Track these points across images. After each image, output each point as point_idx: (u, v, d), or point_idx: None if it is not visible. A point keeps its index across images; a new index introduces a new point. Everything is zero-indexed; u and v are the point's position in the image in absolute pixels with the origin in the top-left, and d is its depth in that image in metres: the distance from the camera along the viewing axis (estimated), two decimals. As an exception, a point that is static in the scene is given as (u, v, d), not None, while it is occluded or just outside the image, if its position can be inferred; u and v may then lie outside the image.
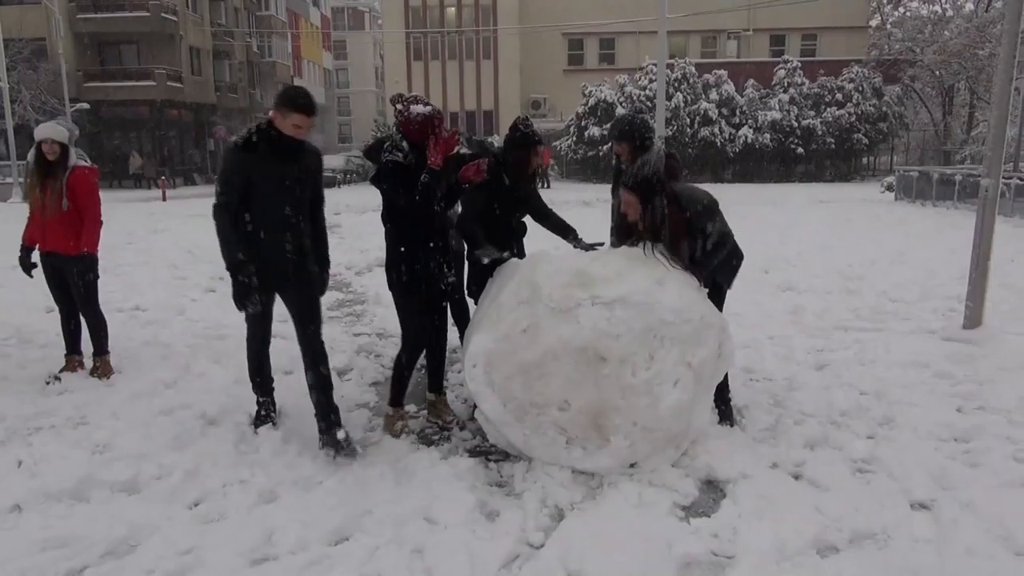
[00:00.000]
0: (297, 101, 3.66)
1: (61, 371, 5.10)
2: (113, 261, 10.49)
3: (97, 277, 5.15)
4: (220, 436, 4.06)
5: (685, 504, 3.34)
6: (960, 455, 3.79)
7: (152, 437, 4.03)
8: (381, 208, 4.05)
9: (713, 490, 3.49)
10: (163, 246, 12.37)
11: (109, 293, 7.95)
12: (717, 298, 4.08)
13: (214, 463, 3.69)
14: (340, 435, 3.74)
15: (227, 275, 3.80)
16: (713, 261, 3.91)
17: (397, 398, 4.25)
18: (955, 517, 3.11)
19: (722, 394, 4.15)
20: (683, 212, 3.79)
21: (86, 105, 31.01)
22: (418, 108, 3.89)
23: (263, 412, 4.20)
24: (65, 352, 5.20)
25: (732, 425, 4.14)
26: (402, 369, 4.21)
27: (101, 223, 5.13)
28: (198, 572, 2.81)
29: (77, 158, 5.07)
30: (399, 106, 3.96)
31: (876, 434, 4.05)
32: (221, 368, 5.31)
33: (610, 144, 4.56)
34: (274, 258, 3.82)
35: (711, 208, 3.86)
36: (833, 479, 3.49)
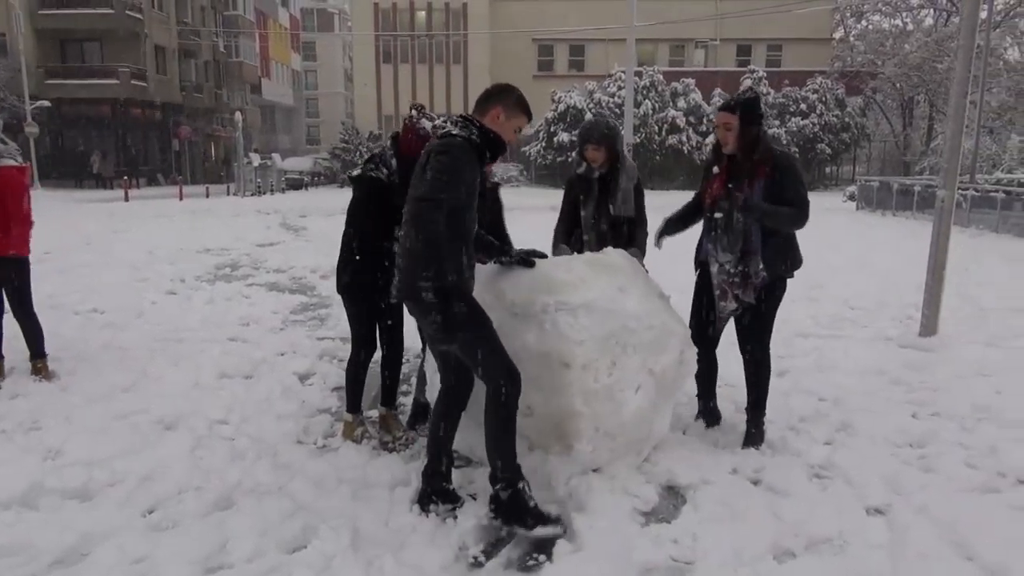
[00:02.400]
0: (528, 106, 3.38)
1: None
2: (71, 262, 10.30)
3: (29, 279, 5.02)
4: (176, 441, 3.98)
5: (646, 510, 3.35)
6: (915, 460, 3.85)
7: (106, 443, 3.93)
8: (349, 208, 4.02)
9: (674, 496, 3.50)
10: (123, 247, 12.13)
11: (66, 295, 7.82)
12: (759, 304, 3.89)
13: (169, 469, 3.62)
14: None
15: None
16: (778, 214, 3.75)
17: (354, 404, 4.16)
18: (908, 522, 3.16)
19: (756, 415, 4.05)
20: (770, 155, 3.77)
21: (47, 103, 30.35)
22: (426, 124, 3.83)
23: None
24: None
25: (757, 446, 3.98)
26: (355, 373, 4.14)
27: (31, 223, 4.99)
28: (150, 581, 2.75)
29: (6, 156, 4.91)
30: (414, 112, 3.89)
31: (834, 440, 4.11)
32: (179, 371, 5.23)
33: (578, 149, 4.47)
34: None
35: (795, 159, 3.88)
36: (791, 485, 3.53)
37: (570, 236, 4.34)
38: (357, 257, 3.93)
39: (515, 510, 3.08)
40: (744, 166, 3.78)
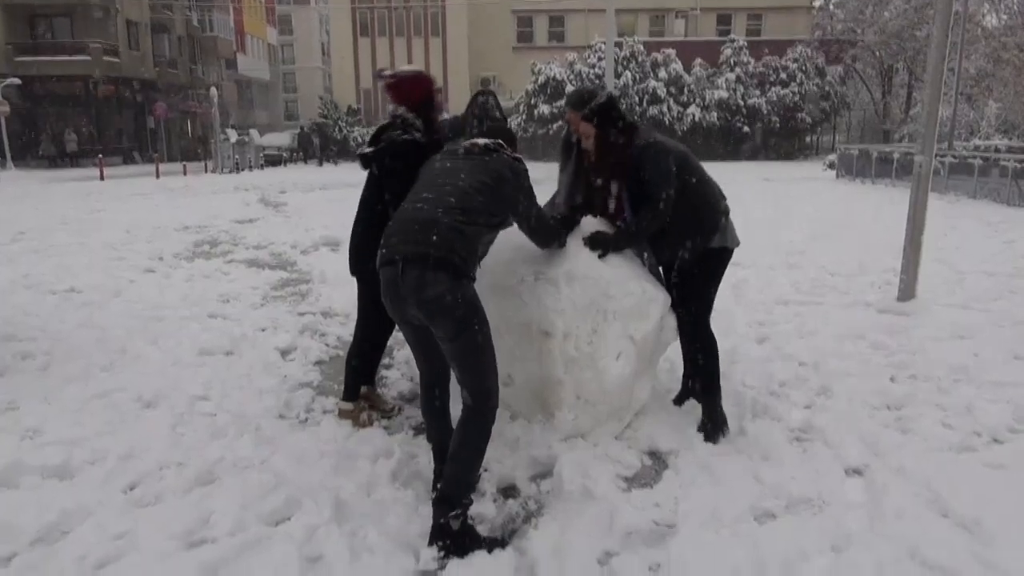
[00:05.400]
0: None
1: None
2: (46, 242, 10.16)
3: None
4: (156, 419, 3.95)
5: (628, 475, 3.38)
6: (893, 422, 3.91)
7: (85, 422, 3.90)
8: (369, 190, 3.81)
9: (656, 461, 3.53)
10: (100, 226, 11.96)
11: (41, 275, 7.72)
12: (685, 282, 3.73)
13: (149, 446, 3.60)
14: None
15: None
16: (639, 225, 3.57)
17: (354, 391, 4.03)
18: (886, 482, 3.21)
19: (707, 401, 3.80)
20: (632, 145, 3.54)
21: (17, 80, 29.69)
22: (405, 68, 3.73)
23: None
24: None
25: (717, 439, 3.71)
26: (370, 357, 4.06)
27: None
28: (132, 557, 2.74)
29: None
30: (387, 76, 3.69)
31: (813, 404, 4.15)
32: (158, 349, 5.18)
33: (560, 123, 4.34)
34: None
35: (651, 147, 3.50)
36: (771, 448, 3.56)
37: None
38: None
39: (468, 543, 2.76)
40: (608, 178, 3.64)
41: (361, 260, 3.76)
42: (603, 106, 3.57)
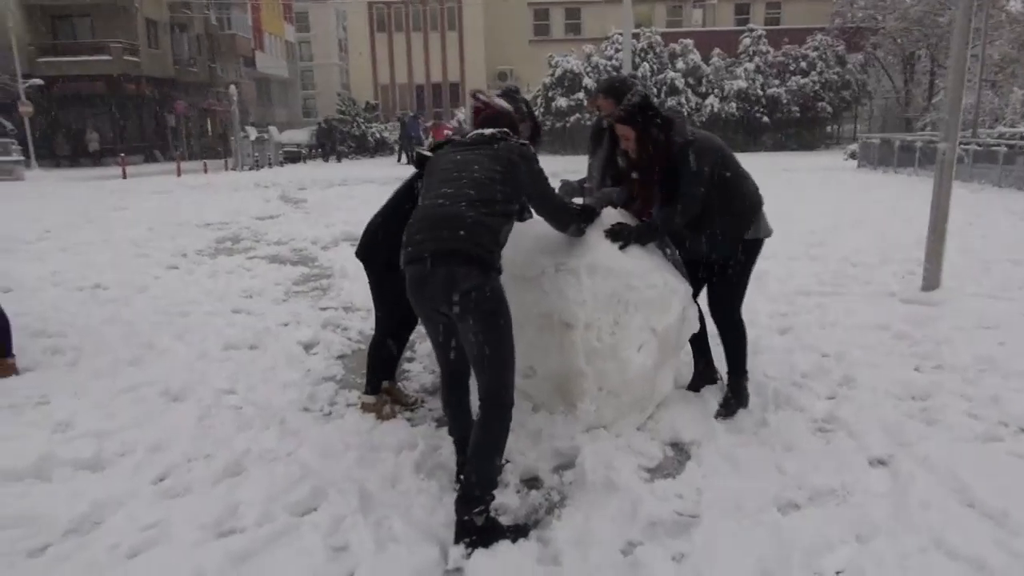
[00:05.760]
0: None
1: None
2: (72, 240, 10.30)
3: None
4: (184, 412, 4.02)
5: (650, 467, 3.38)
6: (917, 413, 3.88)
7: (114, 415, 3.98)
8: (410, 188, 3.77)
9: (678, 452, 3.54)
10: (124, 224, 12.12)
11: (68, 272, 7.84)
12: (722, 272, 3.82)
13: (177, 439, 3.66)
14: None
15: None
16: (664, 220, 3.65)
17: (376, 384, 4.05)
18: (911, 472, 3.19)
19: (733, 381, 3.97)
20: (672, 146, 3.61)
21: (40, 81, 30.11)
22: (499, 102, 3.72)
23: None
24: None
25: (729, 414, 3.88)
26: (389, 352, 4.07)
27: None
28: (163, 546, 2.79)
29: None
30: (481, 100, 3.55)
31: (836, 394, 4.13)
32: (184, 344, 5.26)
33: (577, 116, 4.35)
34: None
35: (690, 145, 3.58)
36: (794, 439, 3.56)
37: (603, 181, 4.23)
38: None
39: (493, 534, 2.80)
40: (651, 178, 3.69)
41: (370, 246, 3.86)
42: (639, 106, 3.61)
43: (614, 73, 30.20)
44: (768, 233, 3.86)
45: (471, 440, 2.87)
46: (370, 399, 4.03)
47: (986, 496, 2.96)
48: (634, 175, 3.80)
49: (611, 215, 3.74)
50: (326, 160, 32.87)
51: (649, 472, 3.34)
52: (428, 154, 3.56)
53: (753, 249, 3.86)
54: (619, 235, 3.63)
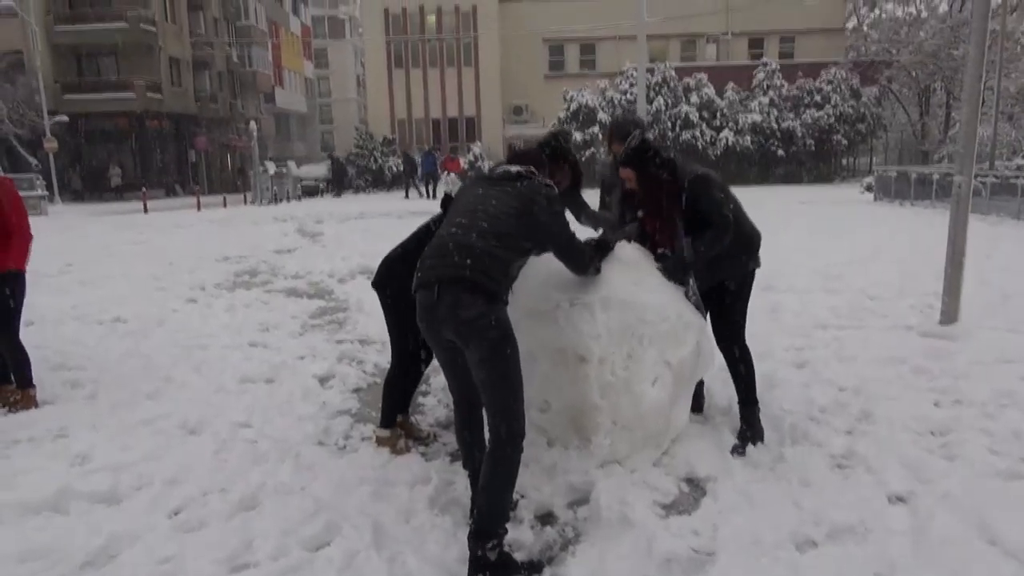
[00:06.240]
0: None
1: None
2: (93, 274, 10.45)
3: (22, 300, 4.65)
4: (200, 445, 4.04)
5: (665, 502, 3.36)
6: (937, 448, 3.83)
7: (131, 448, 4.01)
8: (430, 223, 3.86)
9: (693, 488, 3.51)
10: (144, 258, 12.28)
11: (89, 305, 7.94)
12: (727, 298, 3.92)
13: (193, 472, 3.68)
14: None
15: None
16: (706, 247, 3.71)
17: (391, 418, 4.07)
18: (931, 509, 3.15)
19: (745, 412, 4.00)
20: (677, 183, 3.71)
21: (65, 118, 30.76)
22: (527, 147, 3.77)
23: None
24: None
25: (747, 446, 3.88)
26: (403, 387, 4.11)
27: (31, 237, 4.69)
28: (177, 581, 2.80)
29: None
30: (517, 146, 3.79)
31: (854, 429, 4.09)
32: (201, 377, 5.30)
33: (592, 150, 4.45)
34: None
35: (700, 179, 3.70)
36: (812, 474, 3.52)
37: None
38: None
39: (506, 570, 2.80)
40: (659, 215, 3.77)
41: (387, 276, 3.90)
42: (638, 150, 3.71)
43: (628, 108, 30.46)
44: (759, 264, 3.99)
45: (481, 471, 2.87)
46: (385, 433, 4.04)
47: (1009, 534, 2.91)
48: (640, 213, 3.89)
49: (626, 250, 3.77)
50: (337, 195, 33.22)
51: (664, 508, 3.32)
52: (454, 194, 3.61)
53: (753, 278, 4.01)
54: (670, 271, 3.75)
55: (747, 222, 3.91)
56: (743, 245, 3.85)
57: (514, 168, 3.13)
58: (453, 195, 3.53)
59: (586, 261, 3.40)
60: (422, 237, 3.83)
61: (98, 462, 3.81)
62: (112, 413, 4.58)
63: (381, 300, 4.01)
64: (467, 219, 2.96)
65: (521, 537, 3.05)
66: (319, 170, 37.00)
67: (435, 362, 4.01)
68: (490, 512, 2.79)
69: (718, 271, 3.86)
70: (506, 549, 2.85)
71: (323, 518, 3.19)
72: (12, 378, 4.76)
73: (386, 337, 4.19)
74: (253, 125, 32.58)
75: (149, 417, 4.47)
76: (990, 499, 3.20)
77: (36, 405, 4.70)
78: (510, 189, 3.05)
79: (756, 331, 6.09)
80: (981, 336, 5.87)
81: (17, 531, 3.15)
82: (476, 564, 2.77)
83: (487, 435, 2.99)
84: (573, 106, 33.61)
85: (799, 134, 32.97)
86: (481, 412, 3.11)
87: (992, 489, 3.34)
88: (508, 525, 2.90)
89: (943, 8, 35.06)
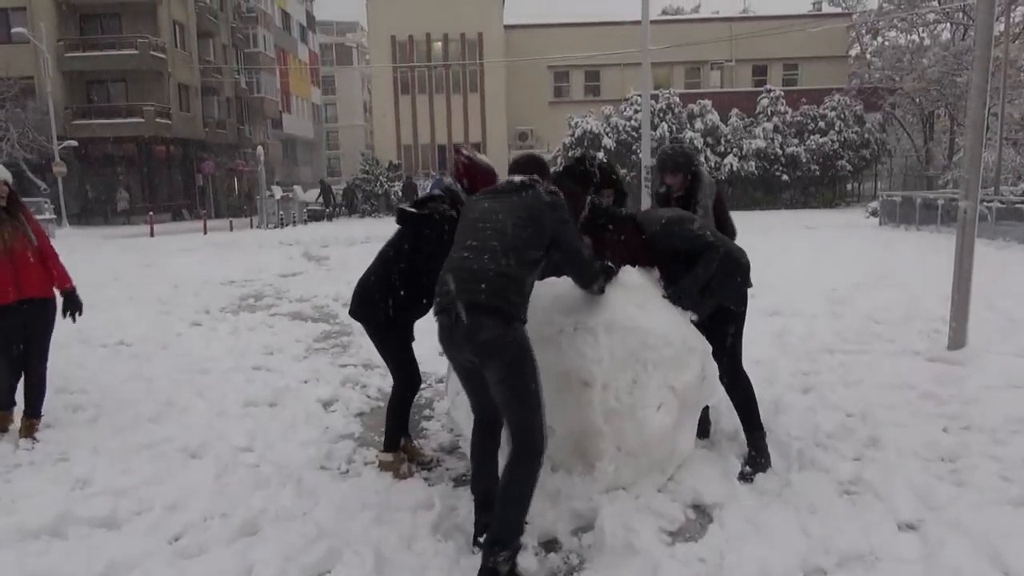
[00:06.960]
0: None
1: None
2: (99, 297, 10.44)
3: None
4: (201, 469, 4.01)
5: (672, 529, 3.32)
6: (947, 475, 3.78)
7: (132, 472, 3.98)
8: (397, 246, 3.93)
9: (700, 514, 3.46)
10: (149, 281, 12.31)
11: (93, 329, 7.93)
12: (727, 326, 3.91)
13: (194, 497, 3.65)
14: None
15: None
16: (699, 279, 3.74)
17: (394, 441, 4.04)
18: (942, 537, 3.10)
19: (750, 438, 3.99)
20: (641, 235, 3.80)
21: (74, 143, 31.03)
22: (482, 158, 3.84)
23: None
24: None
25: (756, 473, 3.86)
26: (404, 410, 4.10)
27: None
28: (176, 608, 2.76)
29: None
30: (465, 156, 3.82)
31: (862, 455, 4.04)
32: (204, 401, 5.28)
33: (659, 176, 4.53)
34: None
35: (672, 222, 3.77)
36: (819, 501, 3.47)
37: None
38: (402, 293, 3.85)
39: None
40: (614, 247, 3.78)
41: (367, 303, 3.91)
42: (589, 214, 3.74)
43: (631, 134, 30.63)
44: (751, 284, 4.02)
45: (500, 482, 2.91)
46: (388, 457, 4.00)
47: (1021, 562, 2.86)
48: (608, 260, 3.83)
49: (631, 275, 3.76)
50: (330, 220, 33.35)
51: (670, 535, 3.27)
52: (411, 211, 3.68)
53: (746, 304, 4.01)
54: (679, 299, 3.76)
55: (732, 244, 3.98)
56: (733, 265, 3.87)
57: (517, 178, 3.18)
58: (403, 207, 3.62)
59: (593, 273, 3.38)
60: (388, 257, 3.89)
61: (99, 486, 3.79)
62: (114, 437, 4.56)
63: (366, 328, 4.03)
64: (478, 240, 3.00)
65: (525, 564, 3.01)
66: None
67: (437, 387, 4.00)
68: (506, 521, 2.84)
69: (718, 294, 3.86)
70: (517, 569, 2.85)
71: (324, 544, 3.16)
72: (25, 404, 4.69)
73: (390, 362, 4.18)
74: (260, 150, 32.81)
75: (151, 441, 4.45)
76: (1001, 526, 3.15)
77: (35, 438, 4.55)
78: (516, 199, 3.09)
79: (762, 356, 6.10)
80: (989, 361, 5.82)
81: (17, 555, 3.12)
82: (485, 574, 2.78)
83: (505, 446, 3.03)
84: (577, 132, 33.77)
85: (803, 159, 33.06)
86: (499, 431, 3.14)
87: (1003, 516, 3.29)
88: (521, 538, 2.91)
89: (945, 36, 35.27)
